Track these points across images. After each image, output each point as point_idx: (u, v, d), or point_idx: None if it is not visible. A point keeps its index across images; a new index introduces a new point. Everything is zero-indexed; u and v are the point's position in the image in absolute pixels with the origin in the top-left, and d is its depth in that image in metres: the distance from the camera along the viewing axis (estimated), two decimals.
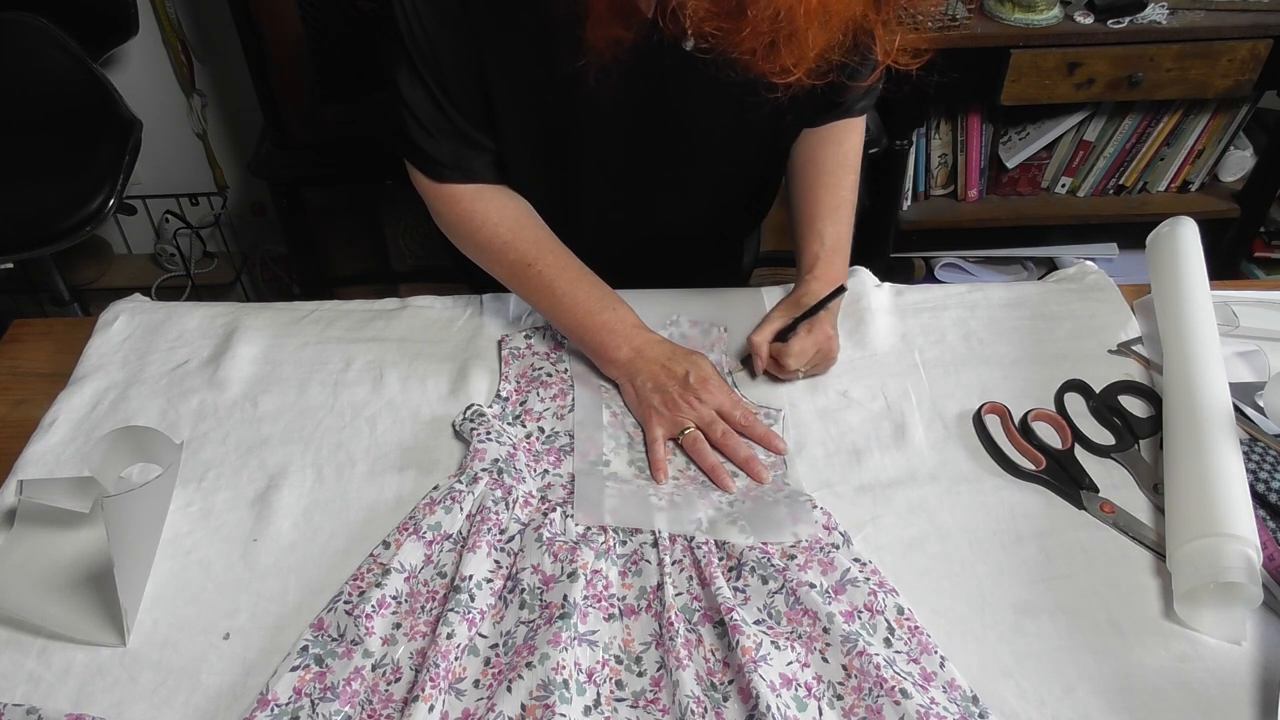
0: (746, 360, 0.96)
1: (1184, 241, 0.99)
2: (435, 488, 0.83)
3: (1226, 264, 2.07)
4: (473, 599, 0.74)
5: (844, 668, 0.70)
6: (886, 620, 0.73)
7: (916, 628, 0.73)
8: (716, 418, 0.89)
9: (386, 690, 0.71)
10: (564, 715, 0.66)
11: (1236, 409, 0.84)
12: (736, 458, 0.87)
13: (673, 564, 0.78)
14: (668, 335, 0.96)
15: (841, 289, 0.92)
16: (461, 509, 0.80)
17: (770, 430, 0.89)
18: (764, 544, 0.78)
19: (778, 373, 0.94)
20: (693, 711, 0.67)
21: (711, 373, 0.91)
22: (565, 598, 0.73)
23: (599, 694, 0.70)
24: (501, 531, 0.80)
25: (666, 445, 0.88)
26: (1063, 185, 2.02)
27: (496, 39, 0.86)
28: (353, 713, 0.69)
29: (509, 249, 0.96)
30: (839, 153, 1.03)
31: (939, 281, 2.09)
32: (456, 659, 0.71)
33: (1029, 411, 0.90)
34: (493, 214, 0.96)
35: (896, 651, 0.72)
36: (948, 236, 2.06)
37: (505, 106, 0.92)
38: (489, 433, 0.86)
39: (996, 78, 1.72)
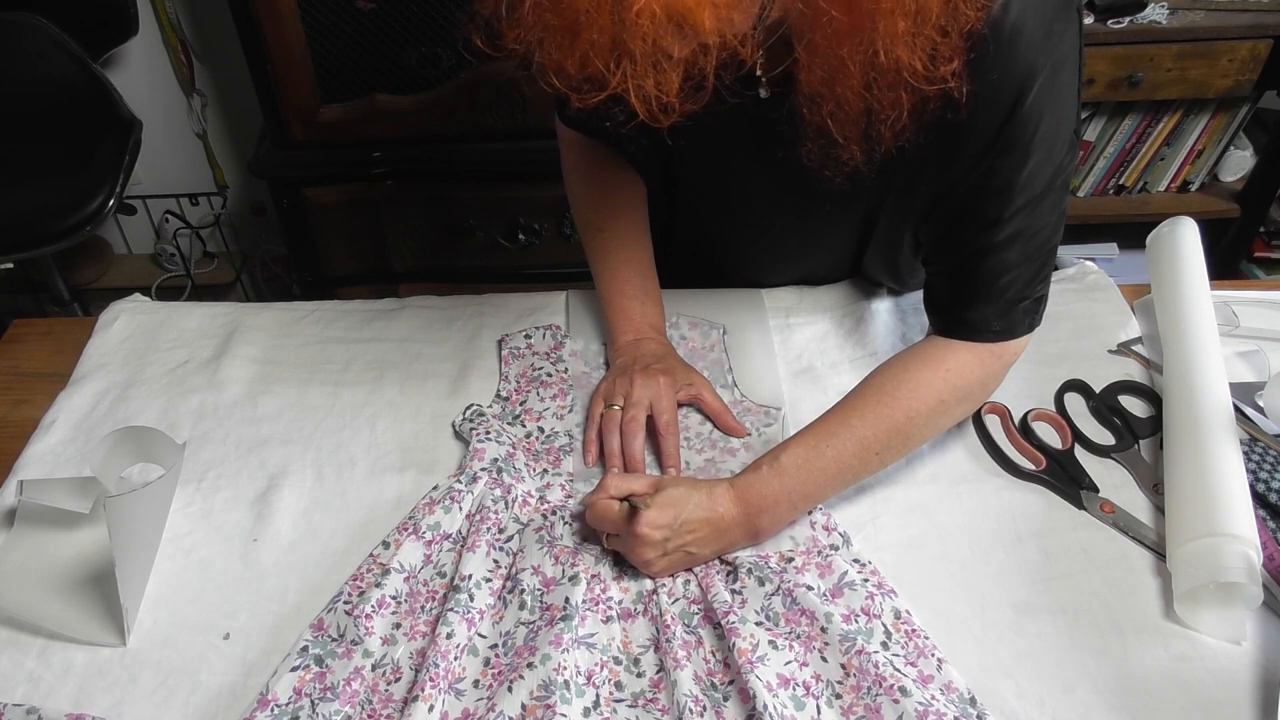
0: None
1: (1184, 241, 0.99)
2: (435, 488, 0.83)
3: (1226, 264, 2.06)
4: (472, 599, 0.74)
5: (842, 666, 0.70)
6: (883, 625, 0.73)
7: (914, 631, 0.73)
8: (641, 406, 0.87)
9: (386, 690, 0.71)
10: (564, 715, 0.66)
11: (1236, 409, 0.84)
12: (628, 448, 0.86)
13: None
14: (666, 336, 0.96)
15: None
16: (461, 509, 0.80)
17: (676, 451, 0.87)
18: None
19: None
20: (691, 710, 0.67)
21: (672, 385, 0.89)
22: (567, 600, 0.73)
23: (598, 695, 0.70)
24: (500, 531, 0.80)
25: (609, 429, 0.87)
26: None
27: None
28: (353, 713, 0.69)
29: (592, 208, 1.00)
30: (920, 374, 0.79)
31: None
32: (456, 659, 0.71)
33: (1029, 411, 0.90)
34: (596, 174, 1.00)
35: (894, 655, 0.71)
36: None
37: None
38: (488, 432, 0.86)
39: None
